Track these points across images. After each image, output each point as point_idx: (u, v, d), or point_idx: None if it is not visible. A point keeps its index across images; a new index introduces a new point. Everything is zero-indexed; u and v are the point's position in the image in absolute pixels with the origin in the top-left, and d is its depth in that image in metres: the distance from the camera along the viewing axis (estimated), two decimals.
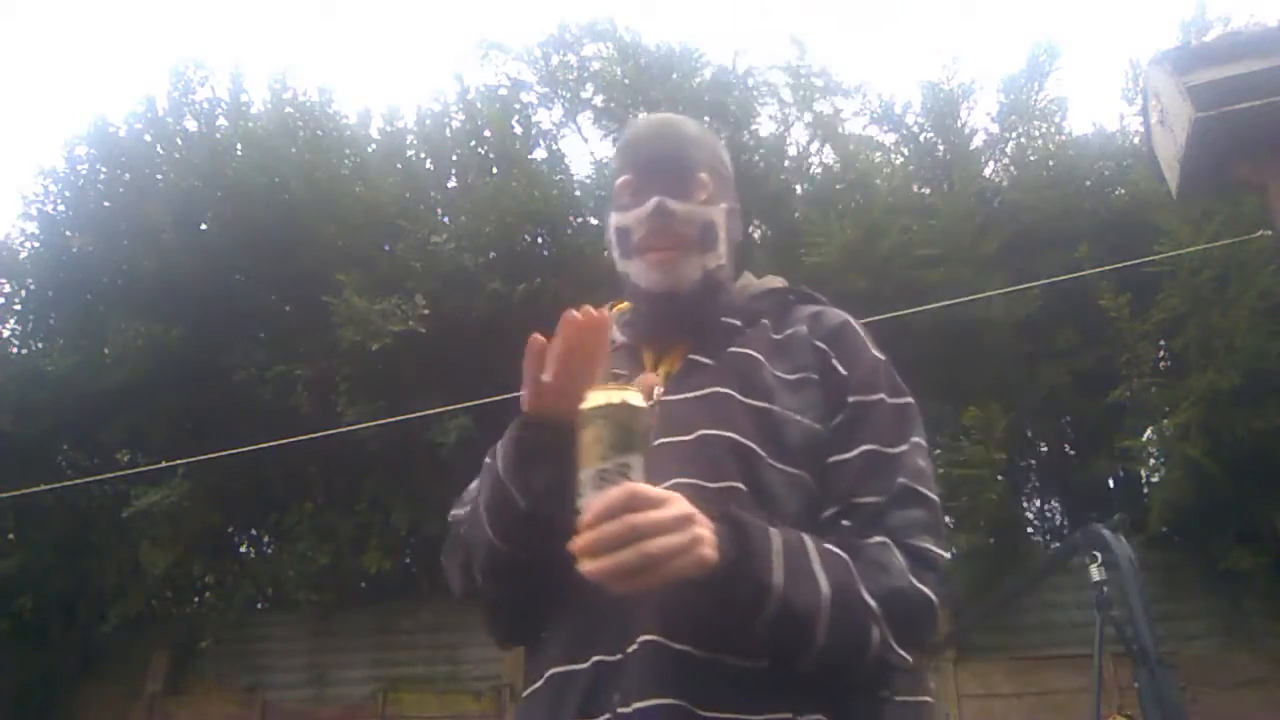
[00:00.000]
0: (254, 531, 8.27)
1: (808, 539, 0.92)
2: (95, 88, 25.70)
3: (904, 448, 1.02)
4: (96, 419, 7.23)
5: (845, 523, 0.96)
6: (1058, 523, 7.71)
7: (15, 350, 8.04)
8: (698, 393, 1.04)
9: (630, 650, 0.90)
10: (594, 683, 0.92)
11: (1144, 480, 6.92)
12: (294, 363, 6.70)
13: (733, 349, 1.09)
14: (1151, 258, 5.54)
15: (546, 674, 0.97)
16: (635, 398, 0.86)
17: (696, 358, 1.09)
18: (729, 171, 1.22)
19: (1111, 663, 4.81)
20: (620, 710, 0.87)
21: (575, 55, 8.19)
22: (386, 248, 7.06)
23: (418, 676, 7.01)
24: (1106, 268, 5.58)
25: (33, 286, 7.97)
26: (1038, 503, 7.86)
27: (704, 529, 0.83)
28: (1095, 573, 3.18)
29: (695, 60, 7.87)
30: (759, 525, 0.89)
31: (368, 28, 24.85)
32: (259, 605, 7.93)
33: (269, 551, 7.92)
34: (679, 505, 0.82)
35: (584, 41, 8.16)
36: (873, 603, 0.89)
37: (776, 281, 1.23)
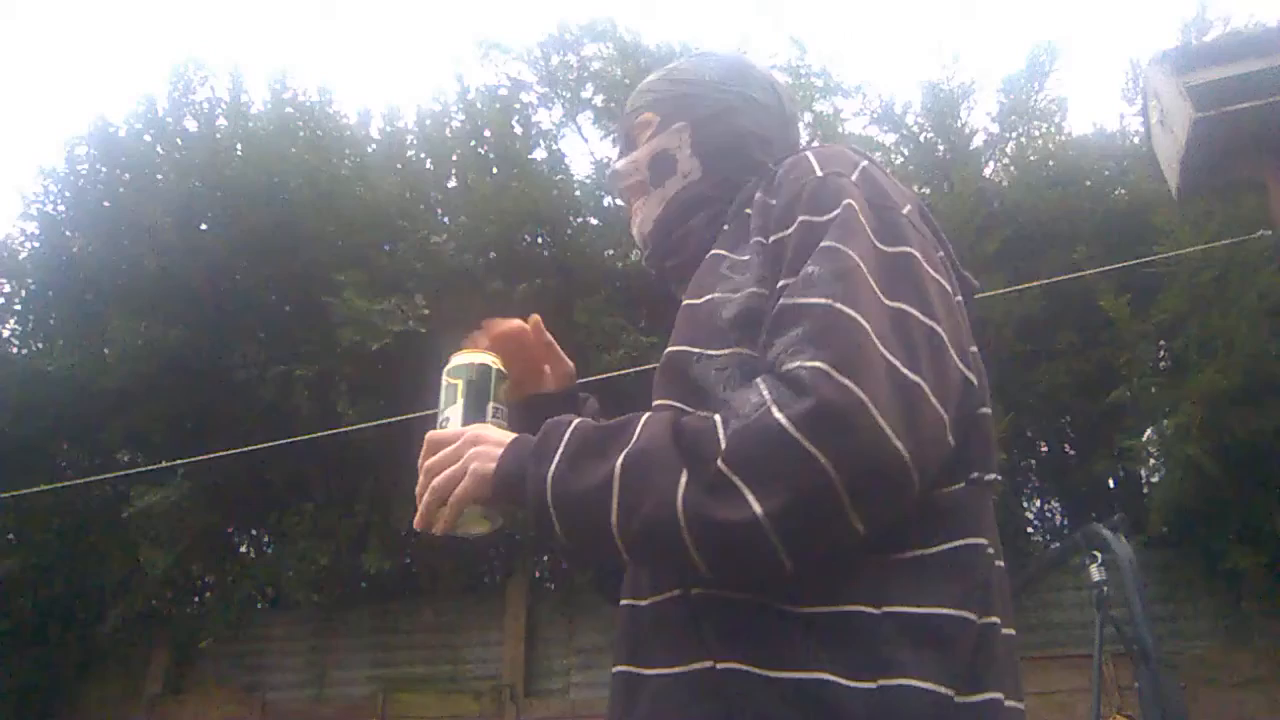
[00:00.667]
0: (254, 531, 8.26)
1: (647, 416, 0.81)
2: (95, 88, 25.73)
3: (808, 267, 0.80)
4: (96, 419, 7.22)
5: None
6: (1058, 523, 7.70)
7: (15, 350, 8.03)
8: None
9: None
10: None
11: (1144, 480, 6.92)
12: (294, 363, 6.69)
13: (707, 255, 1.00)
14: (1151, 258, 5.54)
15: None
16: (466, 357, 0.95)
17: None
18: (688, 85, 1.15)
19: (1111, 663, 4.82)
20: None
21: (575, 55, 8.18)
22: (386, 248, 7.06)
23: (418, 676, 7.01)
24: (1106, 268, 5.58)
25: (33, 286, 7.96)
26: (1038, 503, 7.86)
27: (485, 447, 0.86)
28: (1095, 573, 3.16)
29: None
30: (559, 421, 0.85)
31: (368, 28, 24.86)
32: (259, 605, 7.92)
33: (269, 551, 7.91)
34: (465, 435, 0.87)
35: (584, 42, 8.15)
36: (719, 458, 0.73)
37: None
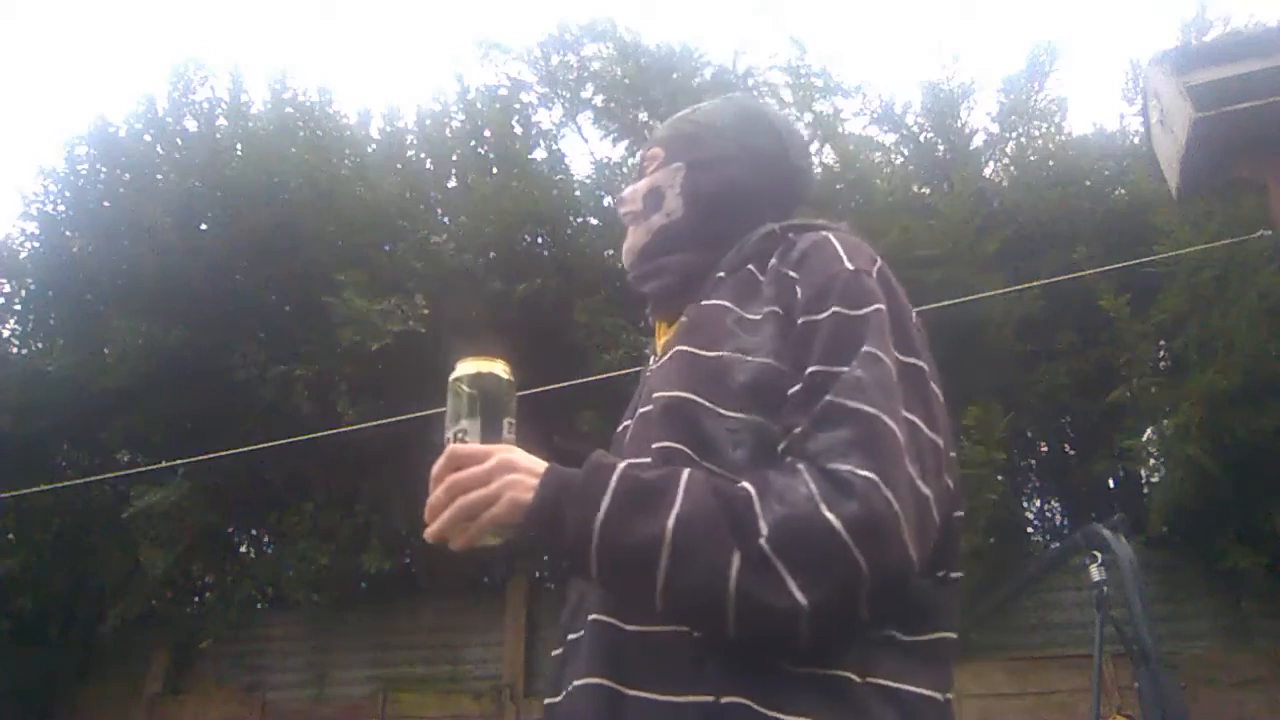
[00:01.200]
0: (254, 531, 8.26)
1: (688, 475, 0.83)
2: (95, 88, 25.74)
3: (850, 363, 0.86)
4: (96, 419, 7.22)
5: (787, 458, 0.85)
6: (1058, 523, 7.71)
7: (15, 350, 8.04)
8: (666, 356, 1.03)
9: (585, 629, 0.92)
10: (564, 662, 0.94)
11: (1144, 480, 6.92)
12: (294, 363, 6.70)
13: (706, 302, 1.03)
14: (1151, 258, 5.54)
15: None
16: (478, 366, 0.94)
17: (683, 319, 1.06)
18: (696, 127, 1.19)
19: (1111, 663, 4.82)
20: (566, 689, 0.90)
21: (575, 55, 8.18)
22: (386, 248, 7.06)
23: (418, 676, 7.01)
24: (1106, 268, 5.58)
25: (33, 286, 7.96)
26: (1038, 503, 7.86)
27: (520, 475, 0.86)
28: (1095, 573, 3.17)
29: (695, 60, 7.87)
30: (602, 464, 0.86)
31: (368, 28, 24.87)
32: (259, 605, 7.93)
33: (269, 551, 7.91)
34: (497, 457, 0.87)
35: (584, 41, 8.15)
36: (762, 539, 0.77)
37: (777, 225, 1.10)
